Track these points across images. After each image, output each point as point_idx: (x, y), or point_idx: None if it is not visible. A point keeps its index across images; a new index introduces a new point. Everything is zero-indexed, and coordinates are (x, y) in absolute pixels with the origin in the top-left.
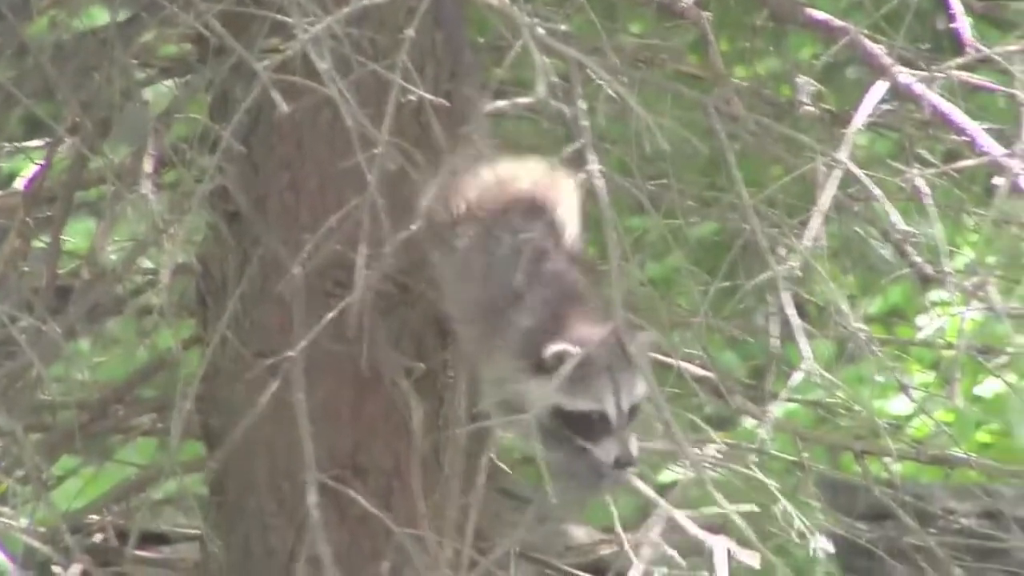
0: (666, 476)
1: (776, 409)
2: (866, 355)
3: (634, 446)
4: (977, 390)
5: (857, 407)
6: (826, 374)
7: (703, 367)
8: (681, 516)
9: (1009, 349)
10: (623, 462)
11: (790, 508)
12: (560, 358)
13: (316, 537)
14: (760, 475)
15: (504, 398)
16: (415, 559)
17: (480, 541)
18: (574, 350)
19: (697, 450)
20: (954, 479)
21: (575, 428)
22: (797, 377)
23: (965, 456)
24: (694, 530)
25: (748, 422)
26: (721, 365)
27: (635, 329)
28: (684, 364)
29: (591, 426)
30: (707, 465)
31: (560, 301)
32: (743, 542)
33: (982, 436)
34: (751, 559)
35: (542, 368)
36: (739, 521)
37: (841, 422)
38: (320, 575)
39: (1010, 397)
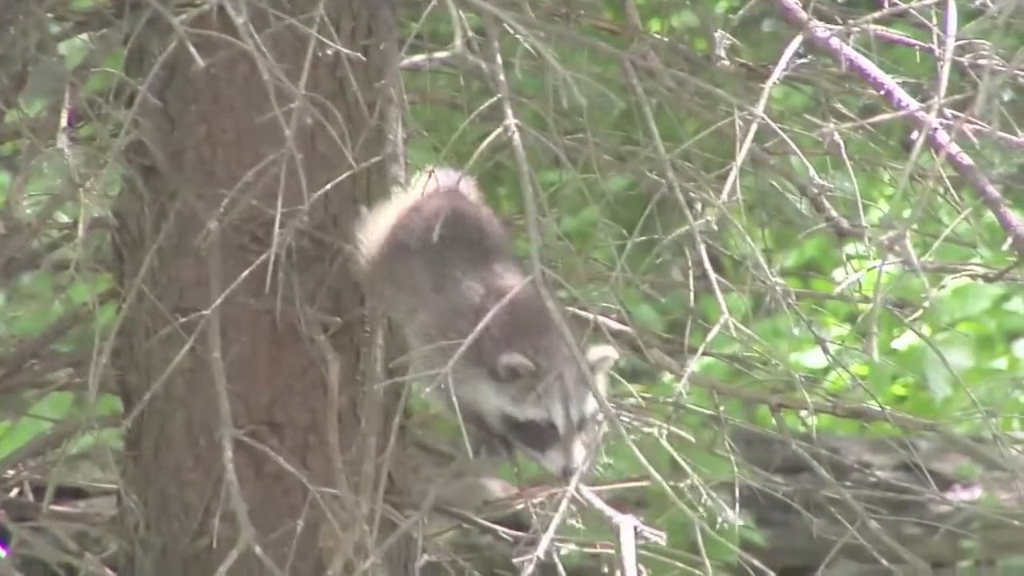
0: None
1: (693, 363)
2: (782, 309)
3: (581, 456)
4: (893, 344)
5: (773, 361)
6: (742, 328)
7: (620, 321)
8: (588, 492)
9: (924, 303)
10: (568, 472)
11: (699, 483)
12: (513, 370)
13: (232, 493)
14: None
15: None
16: (331, 515)
17: (397, 496)
18: (527, 364)
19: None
20: (870, 432)
21: (523, 437)
22: (714, 331)
23: (881, 409)
24: (600, 506)
25: (666, 376)
26: (638, 319)
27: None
28: (601, 318)
29: (539, 435)
30: (624, 420)
31: (515, 306)
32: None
33: (898, 389)
34: (657, 537)
35: (495, 375)
36: (656, 476)
37: (757, 376)
38: (236, 531)
39: (925, 350)
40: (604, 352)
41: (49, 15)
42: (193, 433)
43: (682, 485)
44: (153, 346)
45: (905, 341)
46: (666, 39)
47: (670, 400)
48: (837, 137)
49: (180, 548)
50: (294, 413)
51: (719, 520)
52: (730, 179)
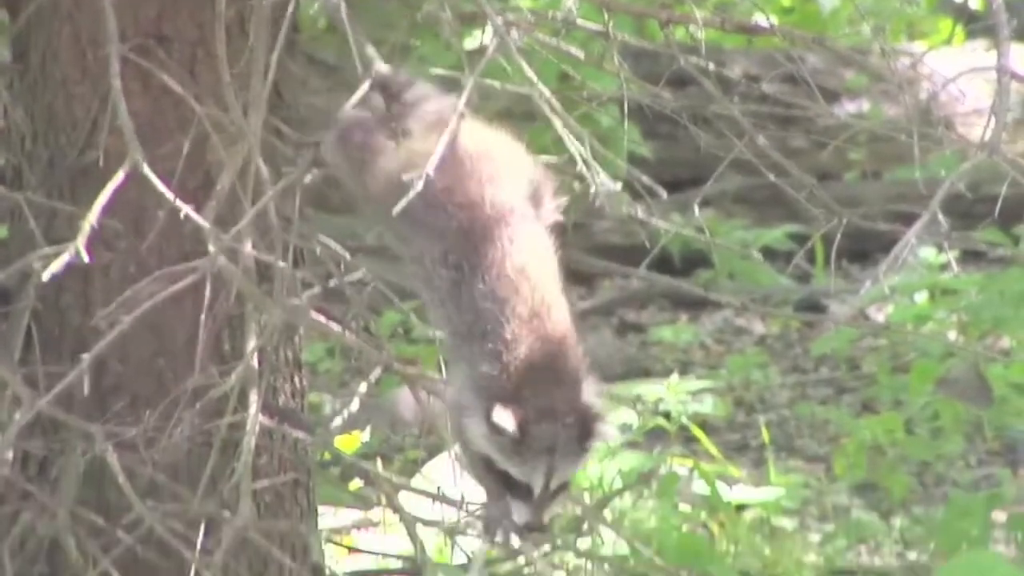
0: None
1: None
2: None
3: (548, 516)
4: None
5: None
6: None
7: None
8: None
9: None
10: (530, 529)
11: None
12: (500, 430)
13: (119, 109)
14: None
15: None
16: (219, 130)
17: (285, 111)
18: (514, 433)
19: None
20: (757, 46)
21: (500, 477)
22: None
23: (768, 23)
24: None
25: None
26: None
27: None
28: None
29: (514, 484)
30: (514, 36)
31: (536, 357)
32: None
33: (785, 1)
34: (508, 424)
35: (488, 420)
36: (545, 92)
37: None
38: (124, 145)
39: None
40: (606, 434)
41: None
42: (80, 45)
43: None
44: None
45: None
46: None
47: (559, 15)
48: None
49: (67, 162)
50: (182, 26)
51: (593, 191)
52: None
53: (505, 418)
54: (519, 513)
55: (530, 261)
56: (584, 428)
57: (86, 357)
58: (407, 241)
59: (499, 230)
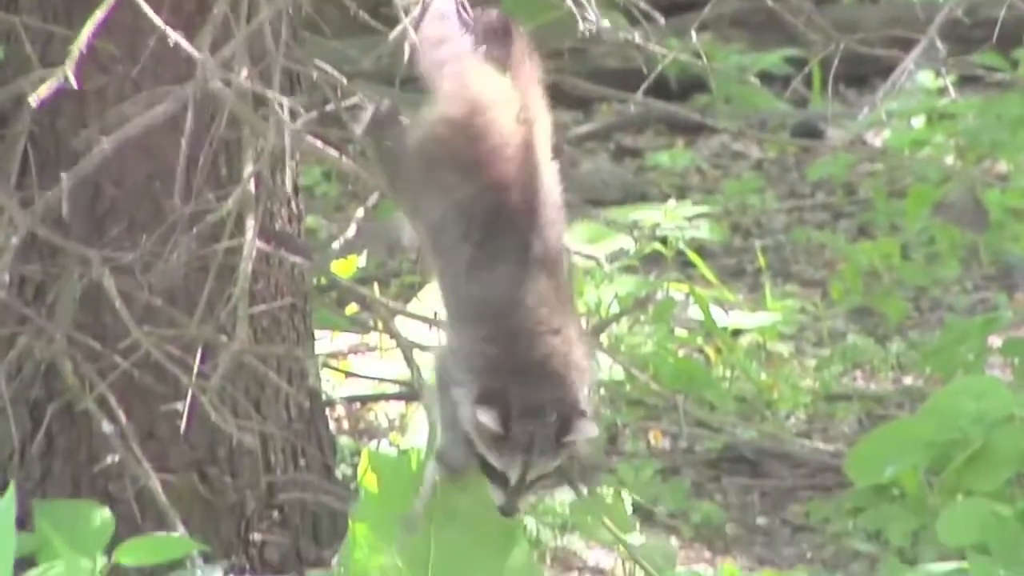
0: None
1: None
2: None
3: (524, 503)
4: None
5: None
6: None
7: None
8: None
9: None
10: (504, 512)
11: None
12: (481, 428)
13: None
14: None
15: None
16: None
17: None
18: (497, 431)
19: None
20: None
21: (480, 460)
22: None
23: None
24: None
25: None
26: None
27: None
28: None
29: (491, 471)
30: None
31: (534, 352)
32: None
33: None
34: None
35: (473, 408)
36: None
37: None
38: None
39: None
40: (585, 430)
41: None
42: None
43: None
44: None
45: None
46: None
47: None
48: None
49: None
50: None
51: None
52: None
53: (488, 416)
54: (495, 495)
55: (549, 253)
56: (564, 427)
57: (64, 177)
58: (433, 209)
59: (527, 219)
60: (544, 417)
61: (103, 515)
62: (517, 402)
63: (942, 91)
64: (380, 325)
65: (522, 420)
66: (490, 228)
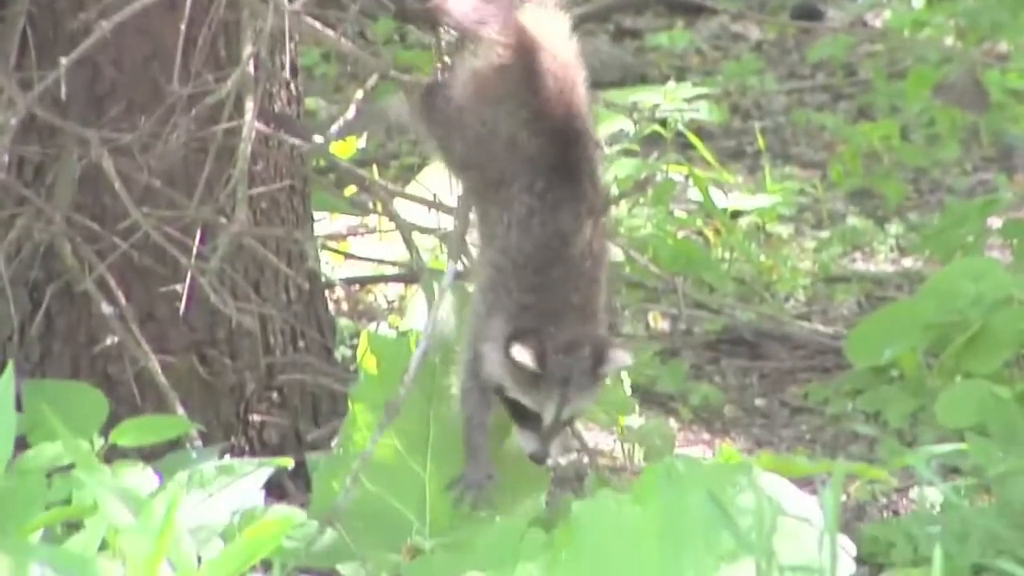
0: None
1: None
2: None
3: (556, 449)
4: None
5: None
6: None
7: None
8: None
9: None
10: (536, 458)
11: None
12: (517, 363)
13: None
14: None
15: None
16: None
17: None
18: (533, 367)
19: None
20: None
21: (511, 405)
22: None
23: None
24: None
25: None
26: None
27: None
28: None
29: (525, 414)
30: None
31: (571, 296)
32: None
33: None
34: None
35: (506, 350)
36: None
37: None
38: None
39: None
40: (620, 360)
41: None
42: None
43: None
44: None
45: None
46: None
47: None
48: None
49: None
50: None
51: None
52: None
53: (523, 353)
54: (527, 442)
55: (598, 196)
56: (598, 357)
57: (63, 60)
58: (494, 163)
59: (582, 171)
60: (580, 351)
61: (97, 396)
62: (552, 340)
63: None
64: (379, 207)
65: (558, 356)
66: (552, 177)
